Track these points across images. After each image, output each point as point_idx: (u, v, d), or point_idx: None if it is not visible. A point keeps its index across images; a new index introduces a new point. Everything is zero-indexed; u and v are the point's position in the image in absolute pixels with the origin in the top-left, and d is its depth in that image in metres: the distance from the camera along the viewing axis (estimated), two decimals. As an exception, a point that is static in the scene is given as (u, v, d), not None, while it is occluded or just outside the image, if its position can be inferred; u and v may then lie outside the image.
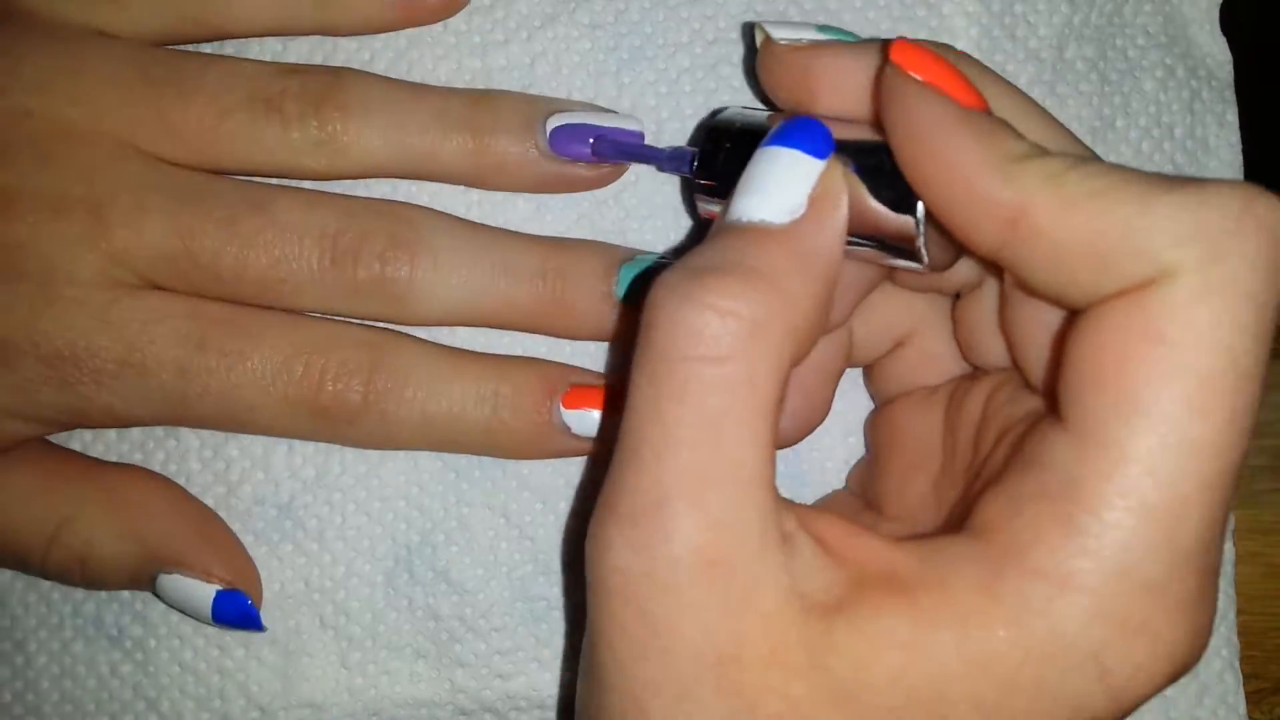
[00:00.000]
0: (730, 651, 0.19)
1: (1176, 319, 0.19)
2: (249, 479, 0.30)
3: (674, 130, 0.30)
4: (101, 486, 0.28)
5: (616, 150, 0.28)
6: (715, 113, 0.27)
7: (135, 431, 0.30)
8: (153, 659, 0.30)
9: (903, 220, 0.22)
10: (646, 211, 0.30)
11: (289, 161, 0.28)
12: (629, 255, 0.29)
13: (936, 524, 0.25)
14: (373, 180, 0.30)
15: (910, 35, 0.30)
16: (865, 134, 0.23)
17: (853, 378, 0.30)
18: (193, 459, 0.30)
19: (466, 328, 0.29)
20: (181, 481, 0.30)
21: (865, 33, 0.30)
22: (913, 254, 0.23)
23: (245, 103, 0.27)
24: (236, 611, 0.28)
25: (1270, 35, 0.33)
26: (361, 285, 0.27)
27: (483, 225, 0.29)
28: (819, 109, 0.24)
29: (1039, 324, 0.23)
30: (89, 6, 0.27)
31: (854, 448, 0.30)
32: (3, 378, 0.27)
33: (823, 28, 0.25)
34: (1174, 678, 0.20)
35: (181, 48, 0.29)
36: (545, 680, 0.30)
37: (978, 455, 0.24)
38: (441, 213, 0.29)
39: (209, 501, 0.30)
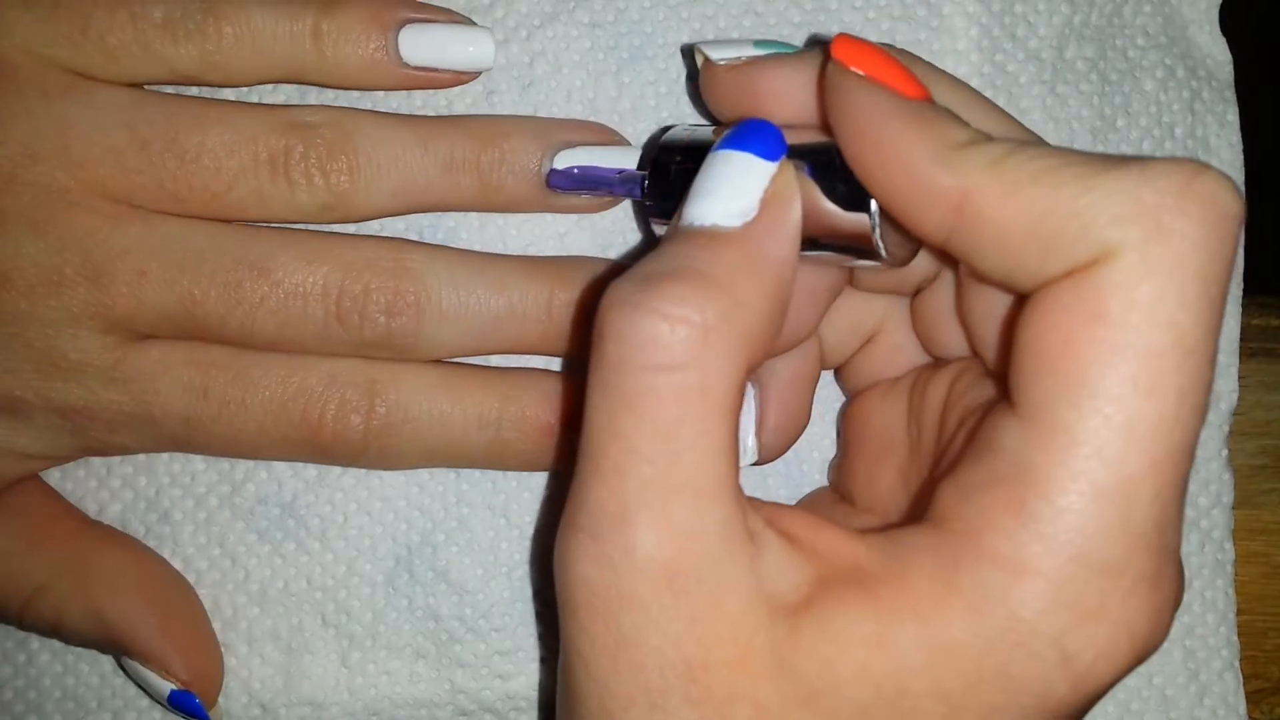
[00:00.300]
0: (699, 659, 0.20)
1: (1119, 298, 0.18)
2: (253, 478, 0.30)
3: (674, 130, 0.30)
4: (77, 560, 0.28)
5: (570, 181, 0.28)
6: (661, 131, 0.27)
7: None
8: (155, 657, 0.30)
9: (857, 218, 0.22)
10: (634, 212, 0.30)
11: (296, 220, 0.28)
12: None
13: (905, 513, 0.25)
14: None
15: (910, 36, 0.30)
16: (816, 138, 0.23)
17: (852, 378, 0.30)
18: (198, 458, 0.30)
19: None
20: (187, 481, 0.30)
21: (865, 33, 0.30)
22: (871, 252, 0.22)
23: (250, 167, 0.27)
24: (187, 709, 0.28)
25: (1270, 35, 0.33)
26: (368, 340, 0.27)
27: (487, 261, 0.28)
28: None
29: (992, 310, 0.23)
30: (76, 54, 0.26)
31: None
32: (17, 427, 0.27)
33: (760, 42, 0.25)
34: (1137, 661, 0.20)
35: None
36: (545, 681, 0.30)
37: (940, 444, 0.24)
38: (444, 252, 0.28)
39: (213, 501, 0.30)
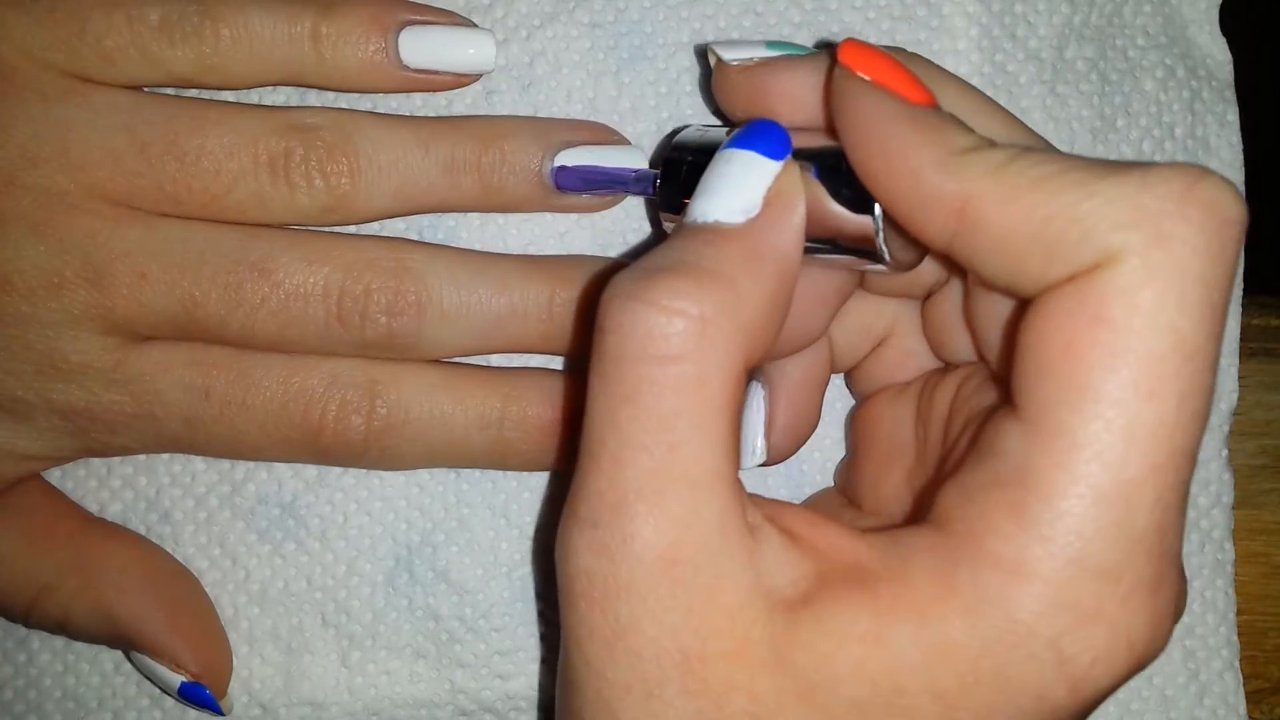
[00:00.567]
0: (695, 650, 0.20)
1: (1121, 302, 0.18)
2: (253, 478, 0.30)
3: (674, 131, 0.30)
4: (82, 558, 0.28)
5: (580, 181, 0.28)
6: (674, 132, 0.27)
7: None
8: (156, 657, 0.30)
9: (861, 221, 0.22)
10: (646, 211, 0.30)
11: (297, 222, 0.28)
12: None
13: (909, 517, 0.25)
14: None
15: (910, 35, 0.30)
16: (824, 140, 0.23)
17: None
18: (198, 458, 0.30)
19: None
20: (187, 481, 0.30)
21: (865, 33, 0.30)
22: (875, 254, 0.23)
23: (250, 170, 0.26)
24: (198, 701, 0.29)
25: (1270, 35, 0.33)
26: (369, 341, 0.27)
27: (488, 260, 0.28)
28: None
29: (996, 315, 0.23)
30: (73, 57, 0.26)
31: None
32: (19, 429, 0.27)
33: (773, 44, 0.25)
34: (1138, 667, 0.20)
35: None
36: (545, 681, 0.30)
37: (945, 447, 0.24)
38: (445, 252, 0.28)
39: (213, 501, 0.30)
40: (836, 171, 0.22)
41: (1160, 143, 0.31)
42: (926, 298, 0.26)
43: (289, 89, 0.29)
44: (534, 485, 0.30)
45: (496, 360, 0.30)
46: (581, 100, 0.30)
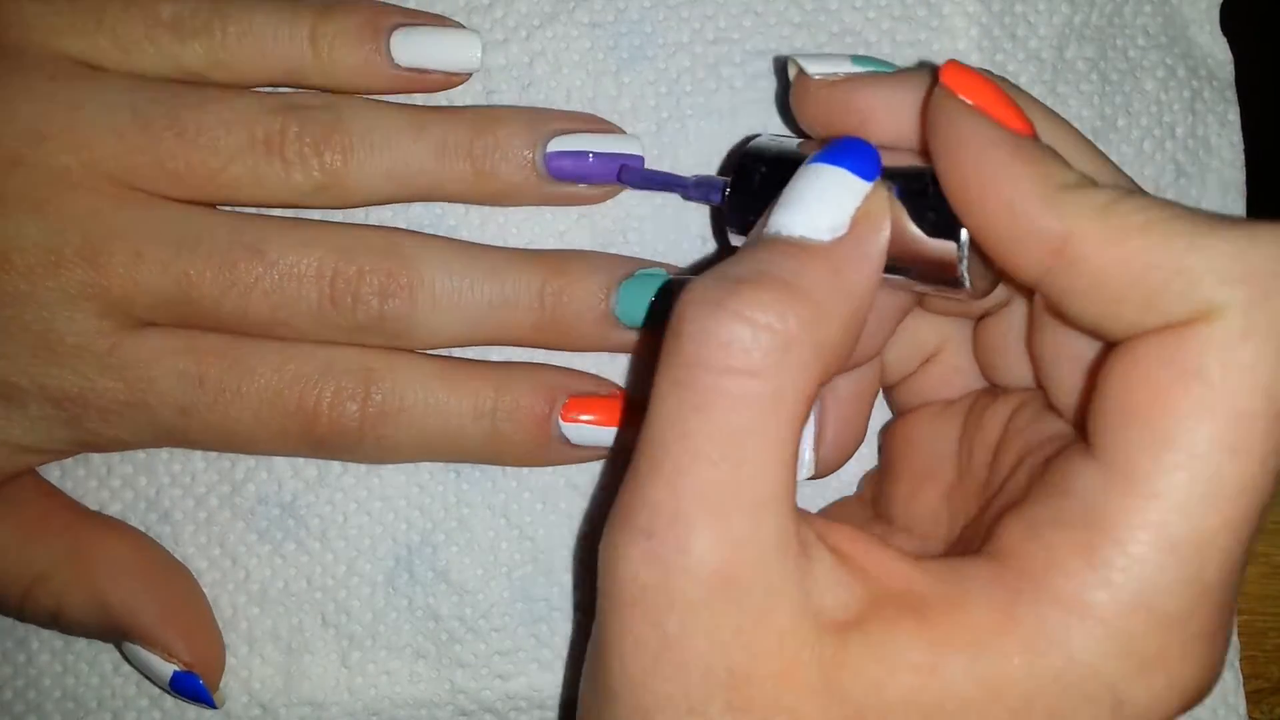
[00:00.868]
0: (743, 669, 0.19)
1: (1217, 357, 0.18)
2: (253, 478, 0.30)
3: (673, 130, 0.30)
4: (76, 548, 0.28)
5: (643, 179, 0.28)
6: (746, 140, 0.26)
7: (137, 431, 0.30)
8: (156, 657, 0.30)
9: (944, 246, 0.22)
10: (646, 211, 0.30)
11: (292, 201, 0.28)
12: (629, 271, 0.29)
13: (947, 537, 0.25)
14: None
15: (910, 35, 0.30)
16: (909, 161, 0.23)
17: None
18: (197, 457, 0.30)
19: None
20: (187, 481, 0.30)
21: (865, 33, 0.30)
22: (954, 280, 0.22)
23: (246, 146, 0.27)
24: (190, 692, 0.29)
25: (1270, 35, 0.33)
26: (361, 324, 0.27)
27: (481, 249, 0.29)
28: None
29: (1070, 350, 0.23)
30: (90, 45, 0.27)
31: (870, 457, 0.30)
32: (12, 417, 0.27)
33: (858, 59, 0.25)
34: (1184, 710, 0.20)
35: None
36: (545, 681, 0.30)
37: (995, 474, 0.24)
38: (437, 240, 0.29)
39: (213, 501, 0.30)
40: (922, 194, 0.22)
41: (1161, 142, 0.31)
42: (980, 318, 0.26)
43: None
44: (534, 485, 0.30)
45: (495, 358, 0.30)
46: (581, 100, 0.30)
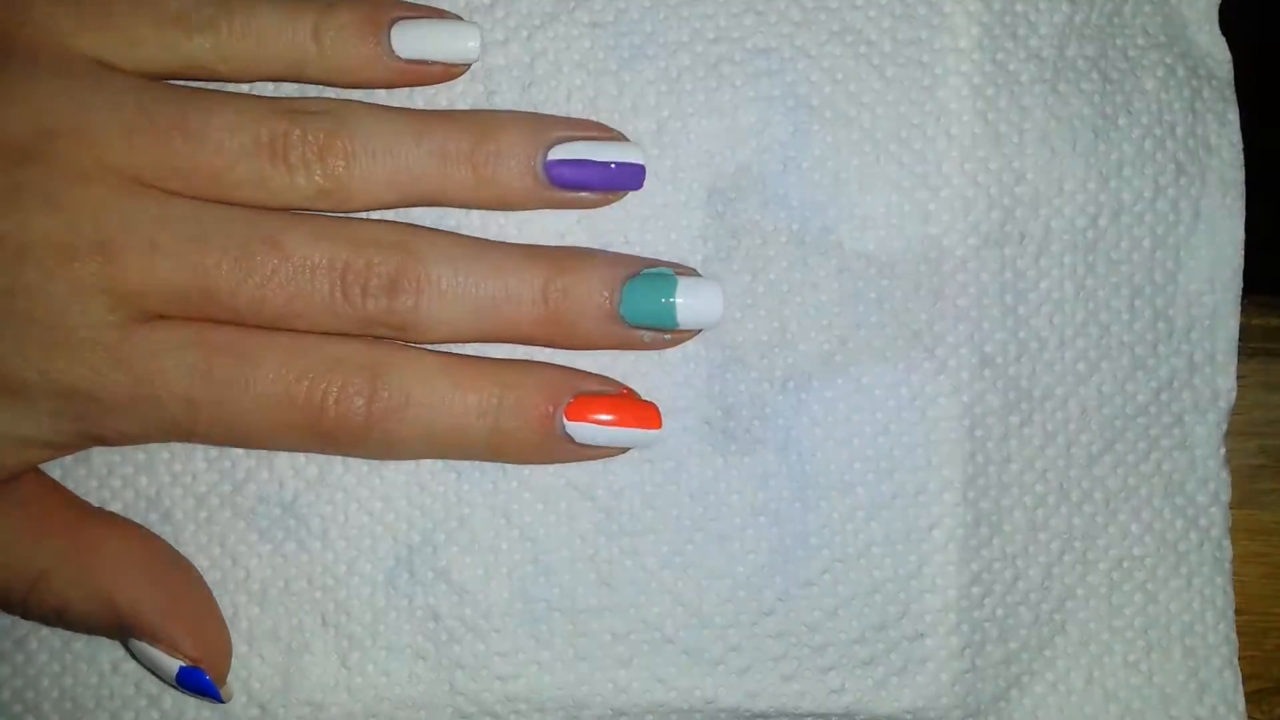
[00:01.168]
0: None
1: None
2: (254, 477, 0.30)
3: (675, 129, 0.30)
4: (80, 544, 0.28)
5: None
6: None
7: (137, 430, 0.30)
8: (155, 657, 0.30)
9: None
10: (648, 210, 0.30)
11: (294, 204, 0.28)
12: (634, 270, 0.29)
13: None
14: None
15: (911, 34, 0.30)
16: None
17: (852, 375, 0.30)
18: (198, 457, 0.30)
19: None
20: (188, 480, 0.30)
21: (866, 32, 0.30)
22: None
23: (251, 149, 0.27)
24: (197, 687, 0.29)
25: (1270, 35, 0.33)
26: (370, 316, 0.28)
27: (487, 245, 0.29)
28: None
29: None
30: (98, 41, 0.27)
31: (858, 449, 0.30)
32: (20, 412, 0.27)
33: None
34: None
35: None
36: (545, 682, 0.30)
37: None
38: (445, 236, 0.29)
39: (214, 501, 0.30)
40: None
41: (1161, 141, 0.31)
42: None
43: (291, 88, 0.30)
44: (535, 485, 0.30)
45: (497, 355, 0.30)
46: (582, 99, 0.30)
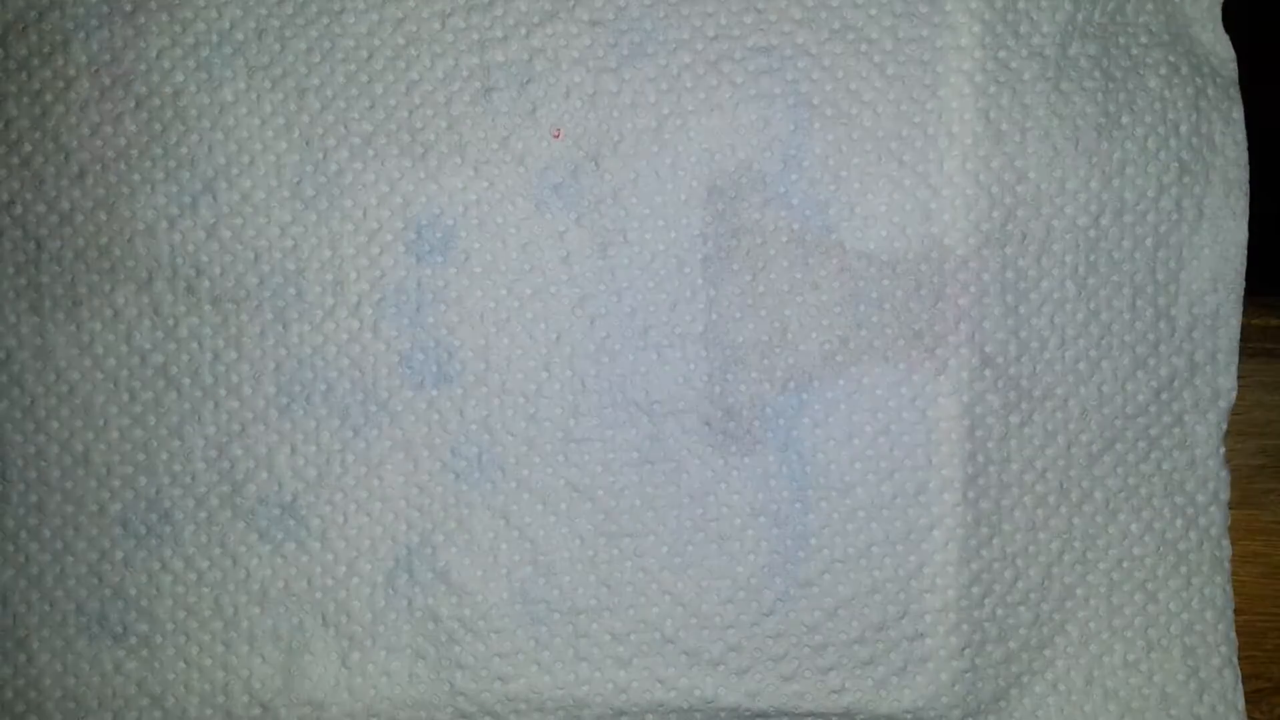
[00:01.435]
0: None
1: None
2: (253, 478, 0.30)
3: (675, 127, 0.30)
4: None
5: None
6: None
7: (140, 432, 0.30)
8: (158, 655, 0.30)
9: None
10: (647, 209, 0.30)
11: None
12: None
13: None
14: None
15: (913, 32, 0.30)
16: None
17: (853, 375, 0.30)
18: (198, 458, 0.30)
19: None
20: (188, 480, 0.30)
21: (867, 30, 0.30)
22: None
23: None
24: None
25: (1274, 33, 0.32)
26: None
27: None
28: None
29: None
30: None
31: (859, 449, 0.30)
32: None
33: None
34: None
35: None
36: (545, 683, 0.30)
37: None
38: None
39: (214, 501, 0.30)
40: None
41: (1165, 140, 0.31)
42: None
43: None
44: (534, 486, 0.30)
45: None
46: (581, 96, 0.30)
